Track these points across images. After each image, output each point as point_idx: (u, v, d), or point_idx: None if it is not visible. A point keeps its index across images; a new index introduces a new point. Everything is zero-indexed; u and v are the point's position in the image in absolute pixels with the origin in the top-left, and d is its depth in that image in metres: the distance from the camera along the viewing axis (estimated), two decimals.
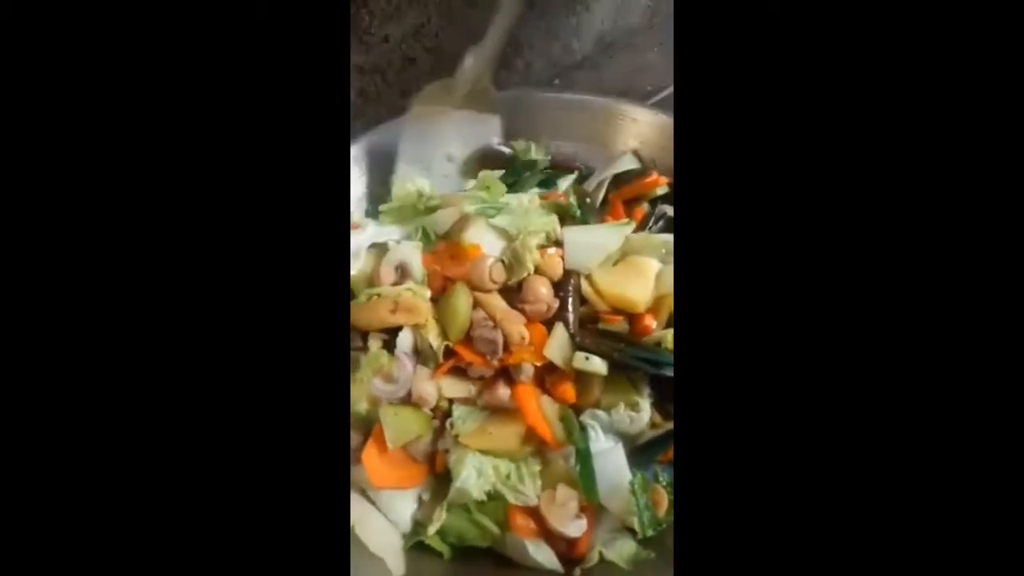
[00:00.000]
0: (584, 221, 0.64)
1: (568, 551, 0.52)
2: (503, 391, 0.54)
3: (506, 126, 0.77)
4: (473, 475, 0.51)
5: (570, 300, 0.57)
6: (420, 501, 0.53)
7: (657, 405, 0.55)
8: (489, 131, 0.75)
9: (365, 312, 0.56)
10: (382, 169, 0.75)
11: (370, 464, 0.53)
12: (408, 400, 0.54)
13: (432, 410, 0.55)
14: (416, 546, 0.52)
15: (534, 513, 0.52)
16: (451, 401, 0.55)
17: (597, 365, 0.53)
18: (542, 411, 0.53)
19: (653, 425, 0.55)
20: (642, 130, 0.76)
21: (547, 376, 0.55)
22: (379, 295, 0.56)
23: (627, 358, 0.54)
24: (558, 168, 0.76)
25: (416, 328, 0.55)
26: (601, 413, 0.54)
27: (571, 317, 0.56)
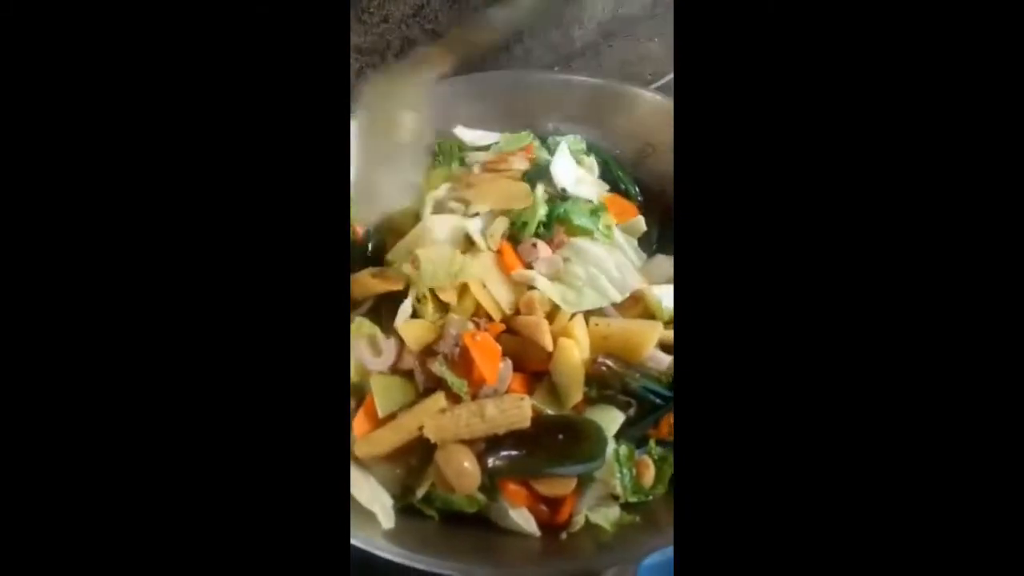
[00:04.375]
0: None
1: (551, 517, 0.52)
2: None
3: (503, 107, 0.77)
4: None
5: None
6: (409, 465, 0.54)
7: None
8: None
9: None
10: None
11: (360, 433, 0.53)
12: (397, 369, 0.55)
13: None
14: (406, 509, 0.53)
15: (524, 482, 0.52)
16: None
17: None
18: None
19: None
20: (639, 113, 0.76)
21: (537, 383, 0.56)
22: None
23: (639, 389, 0.54)
24: None
25: (418, 299, 0.56)
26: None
27: None
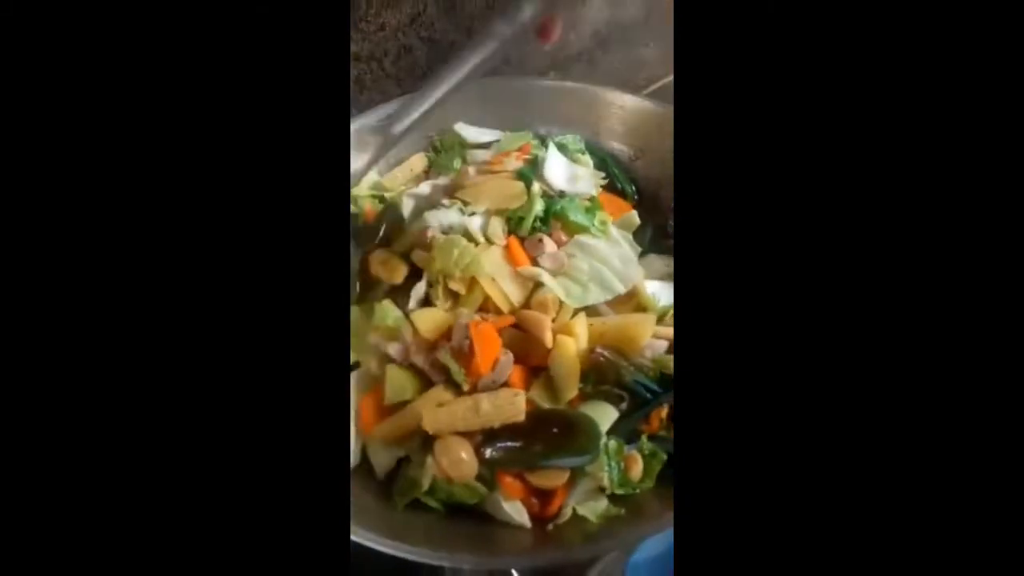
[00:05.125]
0: None
1: (541, 510, 0.54)
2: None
3: (497, 113, 0.79)
4: None
5: None
6: (412, 451, 0.56)
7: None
8: None
9: None
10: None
11: (365, 413, 0.57)
12: (406, 360, 0.57)
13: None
14: (412, 504, 0.55)
15: (519, 475, 0.54)
16: None
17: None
18: None
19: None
20: (629, 117, 0.78)
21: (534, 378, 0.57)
22: None
23: (632, 383, 0.56)
24: None
25: (430, 284, 0.59)
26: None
27: None
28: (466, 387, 0.55)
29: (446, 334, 0.56)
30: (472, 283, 0.59)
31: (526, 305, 0.60)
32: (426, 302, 0.60)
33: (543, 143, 0.75)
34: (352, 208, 0.70)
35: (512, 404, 0.52)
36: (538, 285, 0.60)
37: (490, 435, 0.53)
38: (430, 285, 0.60)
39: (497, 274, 0.59)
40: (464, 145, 0.77)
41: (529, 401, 0.54)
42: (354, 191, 0.72)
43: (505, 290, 0.59)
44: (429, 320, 0.57)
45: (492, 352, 0.55)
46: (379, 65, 0.93)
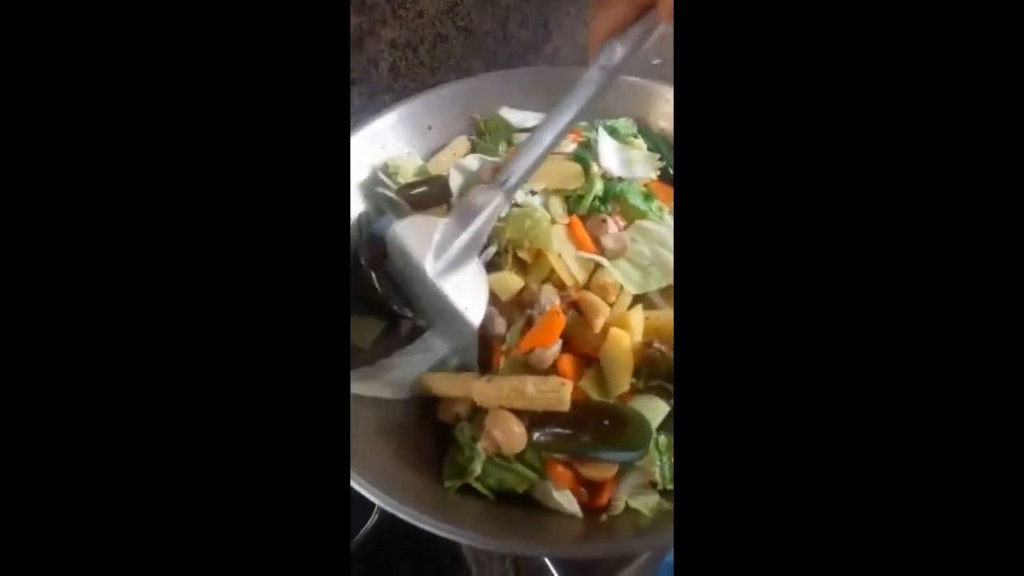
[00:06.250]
0: None
1: (591, 500, 0.54)
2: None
3: (540, 102, 0.78)
4: None
5: None
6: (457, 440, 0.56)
7: None
8: None
9: None
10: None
11: None
12: None
13: None
14: (462, 488, 0.55)
15: (569, 464, 0.54)
16: None
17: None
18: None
19: None
20: (669, 108, 0.78)
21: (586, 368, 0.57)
22: None
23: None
24: None
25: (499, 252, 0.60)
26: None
27: None
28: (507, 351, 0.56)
29: (524, 299, 0.58)
30: (538, 254, 0.59)
31: (587, 286, 0.59)
32: (491, 267, 0.60)
33: (592, 126, 0.74)
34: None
35: (557, 392, 0.52)
36: (599, 267, 0.60)
37: (540, 419, 0.53)
38: (498, 253, 0.60)
39: (562, 251, 0.59)
40: (509, 128, 0.76)
41: (580, 391, 0.53)
42: (398, 177, 0.72)
43: (570, 267, 0.59)
44: (505, 281, 0.59)
45: (542, 341, 0.55)
46: (414, 53, 0.93)
